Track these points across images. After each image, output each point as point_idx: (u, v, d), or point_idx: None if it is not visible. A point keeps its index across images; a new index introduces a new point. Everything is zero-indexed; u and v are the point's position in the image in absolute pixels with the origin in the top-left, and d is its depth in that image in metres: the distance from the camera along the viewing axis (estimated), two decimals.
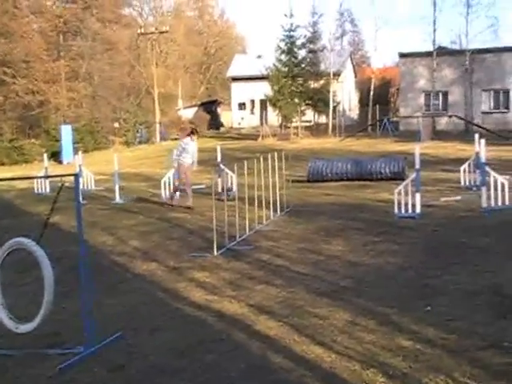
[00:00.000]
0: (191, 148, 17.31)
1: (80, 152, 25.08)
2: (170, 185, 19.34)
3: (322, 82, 54.39)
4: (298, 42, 54.17)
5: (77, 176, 7.62)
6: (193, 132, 17.75)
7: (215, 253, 11.59)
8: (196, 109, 69.38)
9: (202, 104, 71.19)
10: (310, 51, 54.94)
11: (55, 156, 43.40)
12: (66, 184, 17.55)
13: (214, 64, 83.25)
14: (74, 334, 7.58)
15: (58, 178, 20.20)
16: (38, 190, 22.92)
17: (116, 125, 55.26)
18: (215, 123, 67.23)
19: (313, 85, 54.00)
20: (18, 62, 43.84)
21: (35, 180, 23.18)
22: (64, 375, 6.56)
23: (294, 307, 8.20)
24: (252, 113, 65.77)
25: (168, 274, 10.51)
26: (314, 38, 55.83)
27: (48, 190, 22.80)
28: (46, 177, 22.00)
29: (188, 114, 66.55)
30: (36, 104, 48.29)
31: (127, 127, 54.60)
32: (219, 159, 19.62)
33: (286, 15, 53.03)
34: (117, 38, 58.40)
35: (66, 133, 43.96)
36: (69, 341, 7.45)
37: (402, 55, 55.13)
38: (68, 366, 6.69)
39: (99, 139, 51.19)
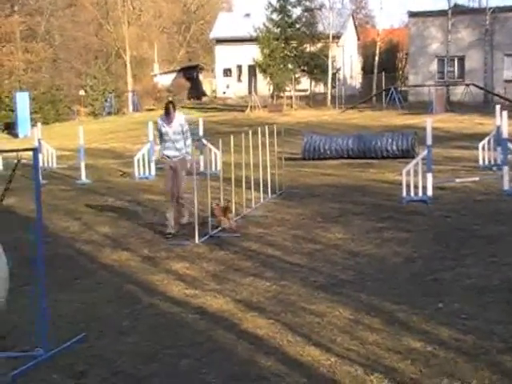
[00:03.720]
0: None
1: (39, 124, 24.94)
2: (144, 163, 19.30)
3: (319, 45, 54.33)
4: None
5: (35, 151, 7.53)
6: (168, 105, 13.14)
7: (196, 241, 11.58)
8: (174, 75, 69.16)
9: (182, 70, 70.97)
10: (306, 9, 54.78)
11: (9, 128, 43.17)
12: (23, 161, 17.48)
13: (194, 24, 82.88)
14: (28, 336, 7.49)
15: (13, 154, 20.16)
16: None
17: (81, 93, 54.99)
18: (196, 92, 67.05)
19: (309, 49, 53.95)
20: None
21: None
22: None
23: (287, 303, 8.20)
24: (239, 80, 65.65)
25: (141, 265, 10.48)
26: None
27: (1, 167, 22.71)
28: None
29: (165, 81, 66.31)
30: None
31: (94, 96, 54.37)
32: (201, 133, 19.59)
33: None
34: None
35: (22, 101, 43.36)
36: (23, 344, 7.35)
37: (412, 14, 55.14)
38: (22, 373, 6.64)
39: (61, 109, 50.93)
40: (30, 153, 7.50)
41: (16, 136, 41.68)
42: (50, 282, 7.47)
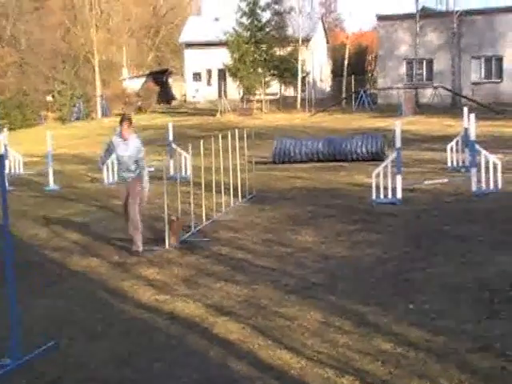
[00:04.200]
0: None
1: (5, 129, 24.76)
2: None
3: (289, 48, 54.44)
4: (262, 3, 54.02)
5: (1, 157, 7.50)
6: (124, 119, 12.00)
7: (167, 246, 11.59)
8: (144, 79, 68.95)
9: (151, 74, 70.77)
10: (276, 13, 54.82)
11: None
12: None
13: (164, 28, 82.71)
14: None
15: None
16: None
17: (49, 98, 54.66)
18: (166, 96, 66.87)
19: (279, 52, 53.97)
20: None
21: None
22: None
23: (259, 307, 8.23)
24: (209, 84, 65.62)
25: (111, 271, 10.46)
26: None
27: None
28: None
29: (134, 85, 66.07)
30: None
31: (62, 101, 54.06)
32: (171, 138, 19.58)
33: None
34: None
35: None
36: None
37: (381, 18, 55.44)
38: None
39: (28, 115, 50.60)
40: None
41: None
42: (21, 289, 7.41)
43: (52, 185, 19.49)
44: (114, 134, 12.02)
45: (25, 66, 55.11)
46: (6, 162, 20.22)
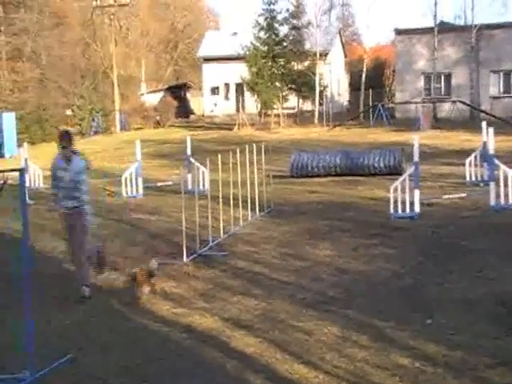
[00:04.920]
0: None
1: (25, 144, 24.85)
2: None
3: (306, 63, 54.33)
4: (280, 17, 54.13)
5: (22, 171, 7.55)
6: (63, 136, 10.38)
7: (184, 259, 11.54)
8: (162, 94, 69.07)
9: (169, 88, 70.89)
10: (293, 28, 54.86)
11: None
12: (9, 181, 17.37)
13: (182, 42, 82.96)
14: (14, 357, 7.33)
15: None
16: None
17: (68, 112, 54.87)
18: (184, 110, 67.04)
19: (296, 66, 53.92)
20: None
21: None
22: None
23: (276, 321, 8.22)
24: (227, 98, 65.59)
25: (129, 285, 10.39)
26: (297, 12, 55.80)
27: None
28: None
29: (152, 99, 66.20)
30: None
31: (81, 115, 54.22)
32: (189, 152, 19.60)
33: None
34: (68, 11, 57.94)
35: (9, 121, 43.16)
36: (8, 366, 7.25)
37: (399, 32, 55.36)
38: None
39: (48, 129, 50.64)
40: (17, 173, 7.49)
41: (2, 156, 41.39)
42: (38, 301, 7.43)
43: None
44: (54, 158, 10.30)
45: (45, 81, 55.38)
46: (26, 176, 20.27)
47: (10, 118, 43.17)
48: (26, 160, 22.29)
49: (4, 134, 42.15)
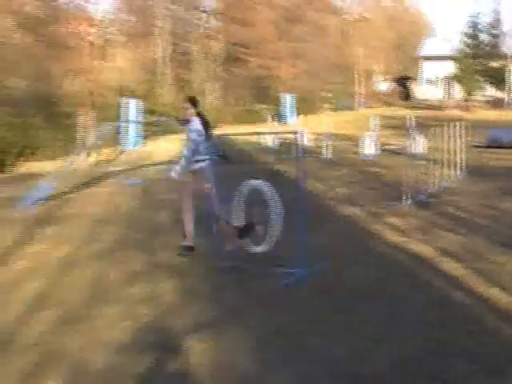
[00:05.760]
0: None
1: (299, 116, 25.31)
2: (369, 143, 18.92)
3: (501, 62, 50.59)
4: (482, 27, 50.80)
5: (297, 133, 7.70)
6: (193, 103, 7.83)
7: (406, 202, 11.22)
8: (390, 83, 67.55)
9: (396, 79, 69.08)
10: (492, 35, 51.14)
11: (278, 118, 44.03)
12: (284, 140, 17.62)
13: (407, 45, 79.94)
14: (291, 259, 7.48)
15: (281, 135, 20.73)
16: (265, 144, 23.56)
17: (325, 94, 55.21)
18: (406, 95, 64.95)
19: (493, 64, 50.39)
20: (252, 44, 45.31)
21: (263, 136, 23.84)
22: (287, 290, 6.65)
23: (475, 253, 7.69)
24: (438, 87, 62.70)
25: (366, 217, 10.32)
26: (495, 22, 51.89)
27: (271, 143, 23.32)
28: (271, 133, 22.50)
29: (383, 87, 64.98)
30: (265, 77, 49.41)
31: (333, 97, 54.39)
32: (410, 125, 18.93)
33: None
34: (328, 24, 57.95)
35: (288, 100, 44.30)
36: (288, 264, 7.38)
37: None
38: (290, 283, 6.81)
39: (312, 105, 51.35)
40: (293, 135, 7.67)
41: (285, 123, 42.20)
42: (303, 224, 7.51)
43: (325, 154, 19.65)
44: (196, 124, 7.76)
45: (310, 73, 55.80)
46: (299, 136, 20.67)
47: (289, 98, 44.07)
48: (298, 126, 22.71)
49: (287, 108, 43.26)
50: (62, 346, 5.50)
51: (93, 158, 20.51)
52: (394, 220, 9.97)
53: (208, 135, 7.75)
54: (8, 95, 24.78)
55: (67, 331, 5.82)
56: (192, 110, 7.70)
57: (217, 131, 24.45)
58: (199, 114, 7.74)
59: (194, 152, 7.59)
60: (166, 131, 29.18)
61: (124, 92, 29.47)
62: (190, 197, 7.88)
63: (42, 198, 12.49)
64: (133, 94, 27.18)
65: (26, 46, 25.35)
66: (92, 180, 13.47)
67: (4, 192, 14.41)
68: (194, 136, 7.60)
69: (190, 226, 7.98)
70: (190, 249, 8.07)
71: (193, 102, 7.76)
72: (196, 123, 7.66)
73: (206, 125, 7.76)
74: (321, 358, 4.93)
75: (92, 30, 35.63)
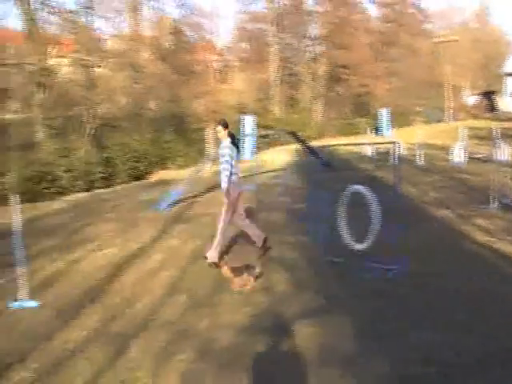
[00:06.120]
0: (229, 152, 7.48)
1: (393, 128, 24.50)
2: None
3: None
4: None
5: (395, 143, 7.47)
6: (224, 125, 7.64)
7: (493, 205, 10.50)
8: (477, 97, 64.01)
9: (482, 93, 65.41)
10: None
11: (376, 130, 42.88)
12: (380, 150, 17.09)
13: (491, 63, 75.30)
14: (389, 256, 7.19)
15: (379, 145, 20.16)
16: (365, 153, 23.08)
17: (418, 108, 53.33)
18: (492, 108, 61.26)
19: None
20: (352, 65, 44.79)
21: (362, 146, 23.34)
22: (386, 285, 6.46)
23: None
24: None
25: (456, 219, 9.76)
26: None
27: (370, 153, 22.80)
28: (370, 144, 21.96)
29: (471, 101, 61.76)
30: (364, 94, 48.51)
31: (425, 110, 52.39)
32: (495, 135, 17.79)
33: None
34: (419, 46, 55.94)
35: (384, 114, 42.59)
36: (386, 261, 7.10)
37: None
38: (388, 278, 6.61)
39: (406, 119, 49.67)
40: (391, 145, 7.39)
41: (382, 135, 40.71)
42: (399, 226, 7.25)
43: (418, 161, 18.89)
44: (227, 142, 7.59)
45: (404, 89, 53.92)
46: (396, 147, 20.03)
47: (386, 112, 41.43)
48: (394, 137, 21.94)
49: (383, 122, 40.47)
50: (192, 325, 5.67)
51: (216, 167, 21.10)
52: (481, 222, 9.38)
53: (239, 151, 7.76)
54: (149, 116, 26.10)
55: (195, 313, 5.99)
56: (223, 132, 7.62)
57: (321, 143, 24.30)
58: (230, 134, 7.68)
59: (232, 167, 7.47)
60: (275, 143, 29.46)
61: (242, 110, 30.06)
62: (231, 209, 7.67)
63: (175, 201, 12.99)
64: (249, 111, 27.66)
65: (162, 74, 26.53)
66: (215, 185, 13.82)
67: (143, 196, 15.14)
68: (227, 152, 7.46)
69: (221, 239, 7.70)
70: (214, 264, 7.56)
71: (224, 124, 7.67)
72: (226, 142, 7.58)
73: (235, 143, 7.66)
74: (414, 344, 4.74)
75: (215, 58, 36.84)
